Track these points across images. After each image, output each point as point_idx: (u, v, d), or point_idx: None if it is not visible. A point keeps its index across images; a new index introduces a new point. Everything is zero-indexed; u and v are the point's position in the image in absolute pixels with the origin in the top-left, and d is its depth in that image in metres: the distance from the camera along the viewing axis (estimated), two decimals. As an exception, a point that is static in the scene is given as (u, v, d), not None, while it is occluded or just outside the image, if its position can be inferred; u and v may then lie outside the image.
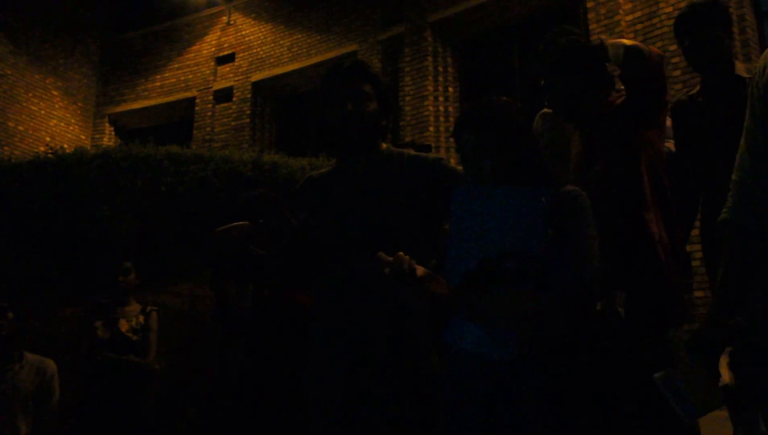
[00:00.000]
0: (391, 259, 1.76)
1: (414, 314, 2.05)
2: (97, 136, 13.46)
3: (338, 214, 2.22)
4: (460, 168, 2.20)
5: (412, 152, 2.40)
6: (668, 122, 3.14)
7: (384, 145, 2.34)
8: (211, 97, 12.66)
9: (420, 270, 1.74)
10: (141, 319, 4.90)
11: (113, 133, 13.76)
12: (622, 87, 2.71)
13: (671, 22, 7.31)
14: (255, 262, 3.75)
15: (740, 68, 3.02)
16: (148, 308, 5.00)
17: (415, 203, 2.17)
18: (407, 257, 1.75)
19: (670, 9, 7.59)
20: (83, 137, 13.11)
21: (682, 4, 7.34)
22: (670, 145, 3.09)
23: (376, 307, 2.07)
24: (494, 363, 1.79)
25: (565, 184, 1.93)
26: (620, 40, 2.70)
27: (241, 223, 3.54)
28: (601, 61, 2.65)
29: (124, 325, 4.82)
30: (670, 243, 2.46)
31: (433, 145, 8.70)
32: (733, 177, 1.81)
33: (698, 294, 6.12)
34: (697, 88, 3.20)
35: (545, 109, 3.35)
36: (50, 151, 7.85)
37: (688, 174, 3.10)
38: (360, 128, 2.22)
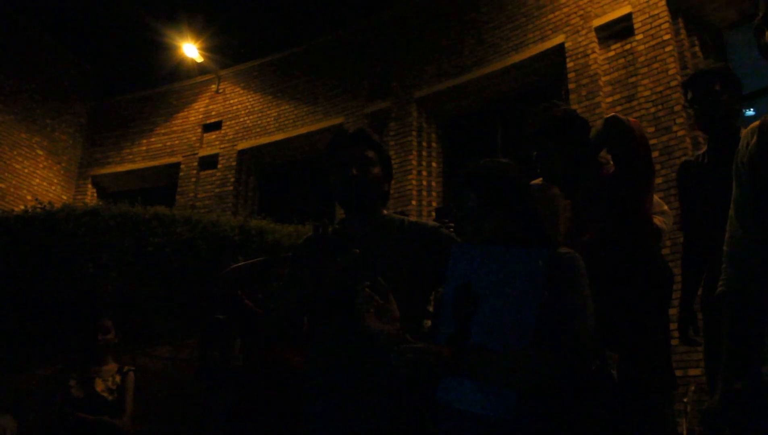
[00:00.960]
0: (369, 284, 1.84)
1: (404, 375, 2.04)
2: (79, 196, 13.40)
3: (337, 278, 2.21)
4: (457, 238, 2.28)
5: (413, 219, 2.46)
6: (655, 197, 3.27)
7: (385, 211, 2.41)
8: (196, 164, 12.72)
9: (393, 304, 1.81)
10: (117, 378, 4.79)
11: (95, 194, 13.73)
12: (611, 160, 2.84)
13: (649, 105, 7.69)
14: (243, 313, 3.77)
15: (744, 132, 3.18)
16: (126, 368, 4.89)
17: (413, 268, 2.21)
18: (387, 293, 1.82)
19: (648, 93, 7.86)
20: (65, 197, 13.06)
21: (659, 89, 7.69)
22: (656, 220, 3.21)
23: (369, 367, 2.08)
24: (491, 422, 1.78)
25: (561, 247, 1.97)
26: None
27: (256, 259, 3.59)
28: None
29: (99, 385, 4.71)
30: (660, 313, 2.54)
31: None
32: (725, 248, 1.87)
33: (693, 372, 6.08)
34: (704, 148, 3.36)
35: (534, 181, 3.48)
36: (39, 205, 7.82)
37: (692, 239, 3.21)
38: (364, 192, 2.29)
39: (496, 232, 1.95)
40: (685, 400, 4.72)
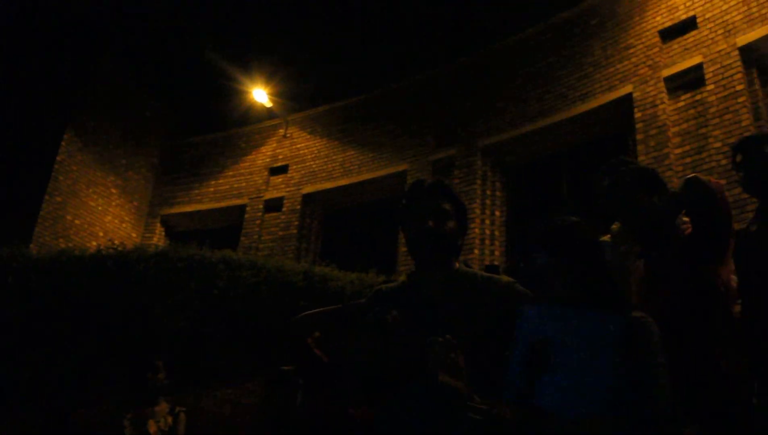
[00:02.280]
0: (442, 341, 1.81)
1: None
2: (147, 235, 13.80)
3: (408, 331, 2.18)
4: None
5: (485, 273, 2.40)
6: None
7: (457, 264, 2.35)
8: (261, 206, 12.93)
9: (461, 361, 1.78)
10: (169, 420, 4.85)
11: (163, 233, 14.09)
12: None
13: (720, 157, 7.47)
14: (312, 361, 3.76)
15: None
16: (177, 409, 4.95)
17: (487, 324, 2.13)
18: (458, 350, 1.79)
19: (719, 144, 7.64)
20: (134, 235, 13.46)
21: (731, 140, 7.44)
22: (733, 280, 3.10)
23: (436, 427, 2.03)
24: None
25: (634, 310, 1.92)
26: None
27: (330, 307, 3.57)
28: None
29: (152, 426, 4.77)
30: (740, 377, 2.45)
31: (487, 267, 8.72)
32: None
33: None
34: (752, 218, 3.26)
35: (603, 237, 3.42)
36: (111, 246, 8.06)
37: (748, 306, 3.08)
38: (439, 245, 2.25)
39: (568, 291, 1.93)
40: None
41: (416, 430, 2.08)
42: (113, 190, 13.41)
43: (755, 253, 3.02)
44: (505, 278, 2.33)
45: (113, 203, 13.36)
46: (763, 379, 2.99)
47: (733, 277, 3.15)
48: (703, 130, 7.99)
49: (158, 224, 14.13)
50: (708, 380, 2.43)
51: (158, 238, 13.79)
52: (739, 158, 3.19)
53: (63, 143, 12.26)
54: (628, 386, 1.74)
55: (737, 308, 2.98)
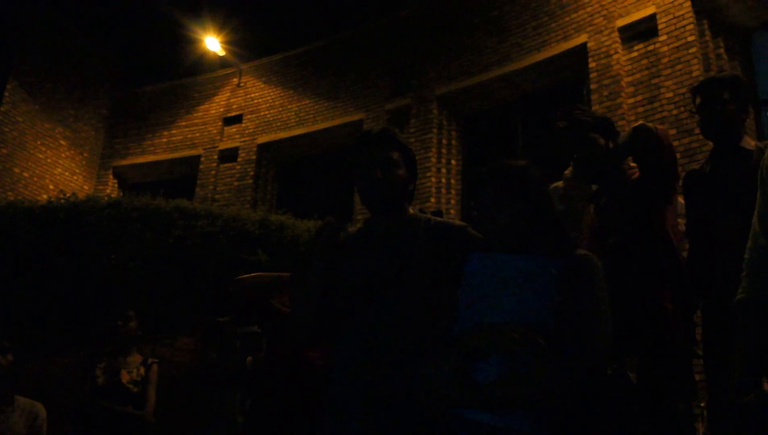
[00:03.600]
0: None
1: (428, 376, 1.99)
2: (100, 187, 13.50)
3: (360, 272, 2.25)
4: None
5: (438, 218, 2.46)
6: (680, 199, 3.25)
7: (411, 210, 2.41)
8: (216, 156, 12.76)
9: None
10: (142, 370, 4.86)
11: (116, 185, 13.82)
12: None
13: (671, 106, 7.59)
14: (270, 313, 3.79)
15: (748, 142, 3.10)
16: (150, 360, 4.97)
17: (437, 267, 2.18)
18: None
19: (670, 94, 7.77)
20: (86, 187, 13.16)
21: (683, 90, 7.56)
22: (681, 222, 3.19)
23: (392, 365, 2.08)
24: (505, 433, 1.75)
25: (578, 249, 1.97)
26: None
27: (282, 274, 3.58)
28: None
29: (125, 376, 4.78)
30: (683, 319, 2.55)
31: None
32: (746, 256, 1.87)
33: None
34: (706, 158, 3.32)
35: (556, 183, 3.48)
36: (62, 196, 7.89)
37: (696, 246, 3.17)
38: (389, 194, 2.30)
39: (512, 226, 1.96)
40: (702, 404, 4.70)
41: (369, 362, 2.13)
42: (62, 142, 13.05)
43: (707, 193, 3.10)
44: (458, 222, 2.39)
45: (63, 155, 13.02)
46: (707, 321, 3.10)
47: (681, 221, 3.24)
48: (656, 81, 8.10)
49: (111, 176, 13.83)
50: (651, 320, 2.51)
51: (111, 191, 13.48)
52: (698, 101, 3.24)
53: (6, 93, 11.84)
54: (570, 324, 1.77)
55: (684, 251, 3.09)
